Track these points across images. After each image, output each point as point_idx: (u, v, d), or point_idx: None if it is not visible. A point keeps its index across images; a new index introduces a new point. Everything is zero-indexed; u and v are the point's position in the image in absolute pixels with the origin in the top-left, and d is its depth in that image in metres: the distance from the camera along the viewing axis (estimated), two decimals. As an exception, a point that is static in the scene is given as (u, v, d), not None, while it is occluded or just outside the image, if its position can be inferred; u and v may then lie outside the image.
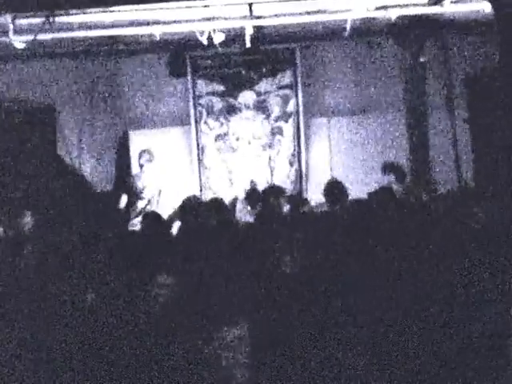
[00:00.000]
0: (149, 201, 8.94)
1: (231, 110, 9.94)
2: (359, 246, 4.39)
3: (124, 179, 9.35)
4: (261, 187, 9.28)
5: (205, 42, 8.30)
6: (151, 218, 5.91)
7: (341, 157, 9.84)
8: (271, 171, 9.87)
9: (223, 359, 3.28)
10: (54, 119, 9.72)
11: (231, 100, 9.93)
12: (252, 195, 7.93)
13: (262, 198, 7.37)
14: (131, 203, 8.76)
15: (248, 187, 9.14)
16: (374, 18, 8.40)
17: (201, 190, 9.87)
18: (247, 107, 9.91)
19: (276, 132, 9.94)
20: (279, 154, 9.91)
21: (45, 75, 9.66)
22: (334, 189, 6.70)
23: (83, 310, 3.46)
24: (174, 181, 9.58)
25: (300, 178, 9.87)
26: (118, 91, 10.04)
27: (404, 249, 4.24)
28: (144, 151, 9.24)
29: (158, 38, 8.54)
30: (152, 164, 9.20)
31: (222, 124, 9.97)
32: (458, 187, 9.24)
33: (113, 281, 3.72)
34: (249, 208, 8.00)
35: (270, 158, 9.90)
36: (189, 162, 9.95)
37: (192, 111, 9.94)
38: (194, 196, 7.26)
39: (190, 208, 6.47)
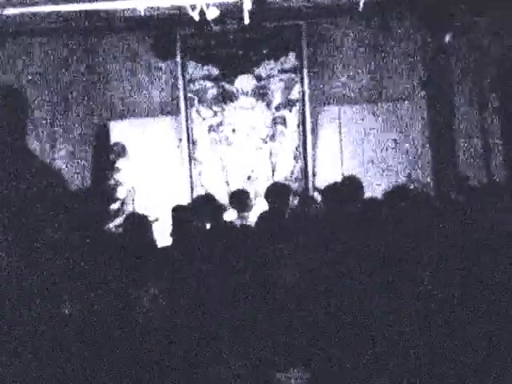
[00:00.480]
0: (122, 201, 8.32)
1: (227, 97, 9.19)
2: (376, 252, 4.26)
3: (103, 176, 8.64)
4: (261, 185, 8.80)
5: (196, 18, 7.88)
6: (133, 220, 5.41)
7: (352, 150, 9.12)
8: (273, 167, 9.18)
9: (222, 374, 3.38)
10: (23, 107, 9.03)
11: (227, 85, 9.18)
12: (238, 197, 7.22)
13: (265, 198, 6.67)
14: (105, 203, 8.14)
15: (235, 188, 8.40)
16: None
17: (192, 189, 9.15)
18: (245, 94, 9.17)
19: (278, 122, 9.20)
20: (282, 147, 9.20)
21: (12, 56, 8.82)
22: (350, 186, 5.99)
23: (60, 322, 3.28)
24: (161, 178, 9.01)
25: (306, 174, 9.16)
26: (97, 75, 9.31)
27: (431, 255, 4.12)
28: (115, 144, 8.67)
29: (142, 14, 8.24)
30: (125, 159, 8.60)
31: (216, 113, 9.24)
32: (488, 183, 8.51)
33: (92, 291, 3.69)
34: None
35: (271, 152, 9.20)
36: (178, 157, 9.24)
37: (182, 98, 9.19)
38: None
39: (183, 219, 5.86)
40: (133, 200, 8.40)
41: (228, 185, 9.13)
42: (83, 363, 3.34)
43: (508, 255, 3.94)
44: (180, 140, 9.28)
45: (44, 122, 9.16)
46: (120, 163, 8.58)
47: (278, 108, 9.23)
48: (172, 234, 5.70)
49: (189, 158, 9.22)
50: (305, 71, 9.17)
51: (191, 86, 9.24)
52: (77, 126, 9.27)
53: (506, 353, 3.43)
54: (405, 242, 4.39)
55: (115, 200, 8.07)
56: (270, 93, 9.21)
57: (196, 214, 5.95)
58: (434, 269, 3.97)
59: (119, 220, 7.25)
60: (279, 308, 3.70)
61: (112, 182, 8.37)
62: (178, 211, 5.87)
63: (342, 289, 3.84)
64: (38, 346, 3.10)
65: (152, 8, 8.27)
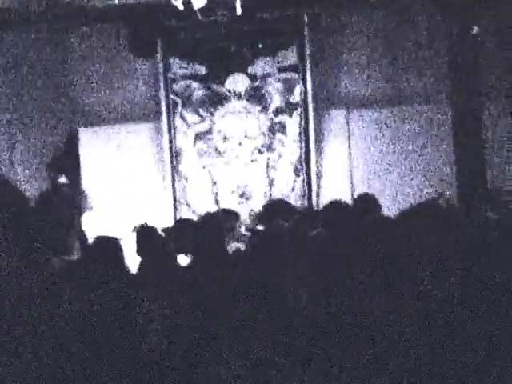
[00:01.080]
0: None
1: (216, 100, 8.55)
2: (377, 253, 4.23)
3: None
4: (256, 203, 8.30)
5: (180, 8, 7.32)
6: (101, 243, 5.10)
7: (363, 162, 8.49)
8: (270, 182, 8.53)
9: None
10: None
11: (216, 86, 8.53)
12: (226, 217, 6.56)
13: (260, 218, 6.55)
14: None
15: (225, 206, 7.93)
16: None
17: (175, 208, 8.52)
18: (238, 96, 8.49)
19: (276, 129, 8.52)
20: (281, 158, 8.53)
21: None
22: (365, 203, 5.76)
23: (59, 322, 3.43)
24: (139, 196, 8.39)
25: (309, 190, 8.53)
26: (63, 75, 8.74)
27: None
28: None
29: (116, 2, 7.93)
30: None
31: (203, 119, 8.58)
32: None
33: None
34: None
35: (268, 165, 8.53)
36: (159, 171, 8.66)
37: (163, 101, 8.55)
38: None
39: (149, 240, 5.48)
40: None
41: (218, 203, 8.48)
42: (83, 363, 3.49)
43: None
44: (161, 150, 8.67)
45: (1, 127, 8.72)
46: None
47: (276, 113, 8.56)
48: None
49: (172, 171, 8.59)
50: (307, 69, 8.52)
51: (175, 86, 8.58)
52: (40, 134, 8.70)
53: (506, 353, 3.53)
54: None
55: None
56: (266, 95, 8.56)
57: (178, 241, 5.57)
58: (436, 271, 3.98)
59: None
60: (279, 307, 3.77)
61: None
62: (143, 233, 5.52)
63: (342, 288, 3.90)
64: (38, 346, 3.26)
65: (128, -5, 7.95)
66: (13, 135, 8.80)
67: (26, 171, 8.68)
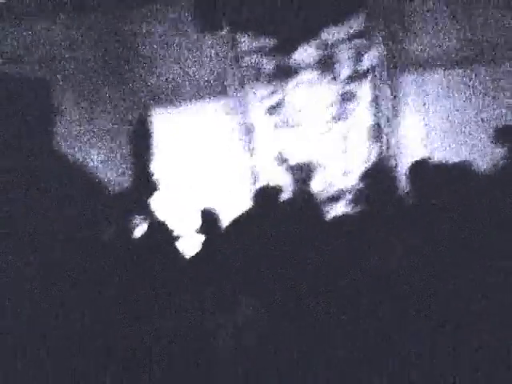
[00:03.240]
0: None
1: (286, 72, 8.23)
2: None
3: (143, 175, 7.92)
4: (331, 174, 8.16)
5: None
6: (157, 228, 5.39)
7: (440, 126, 8.03)
8: (345, 151, 8.20)
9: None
10: (48, 99, 7.96)
11: (285, 58, 8.23)
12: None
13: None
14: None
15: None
16: None
17: (253, 184, 8.23)
18: (307, 67, 8.20)
19: (349, 98, 8.22)
20: (354, 127, 8.19)
21: (31, 38, 7.99)
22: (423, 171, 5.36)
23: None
24: (216, 173, 8.26)
25: (386, 158, 8.12)
26: (130, 55, 8.48)
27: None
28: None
29: None
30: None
31: (274, 91, 8.35)
32: None
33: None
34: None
35: (342, 134, 8.20)
36: (232, 147, 8.38)
37: (233, 76, 8.33)
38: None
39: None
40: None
41: (294, 175, 8.10)
42: (85, 364, 3.59)
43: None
44: (234, 126, 8.40)
45: (70, 117, 8.35)
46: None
47: (347, 81, 8.21)
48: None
49: (246, 146, 8.36)
50: (379, 34, 8.11)
51: (244, 61, 8.32)
52: (110, 119, 8.47)
53: (506, 351, 3.51)
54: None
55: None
56: (336, 63, 8.20)
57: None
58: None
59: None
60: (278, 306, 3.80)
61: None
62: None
63: (341, 288, 3.91)
64: (38, 346, 3.42)
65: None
66: (83, 128, 8.45)
67: (101, 156, 8.44)
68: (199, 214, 5.85)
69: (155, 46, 8.52)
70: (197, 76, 8.48)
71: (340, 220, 5.29)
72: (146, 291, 4.26)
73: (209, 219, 5.76)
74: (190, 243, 5.58)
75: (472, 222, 4.38)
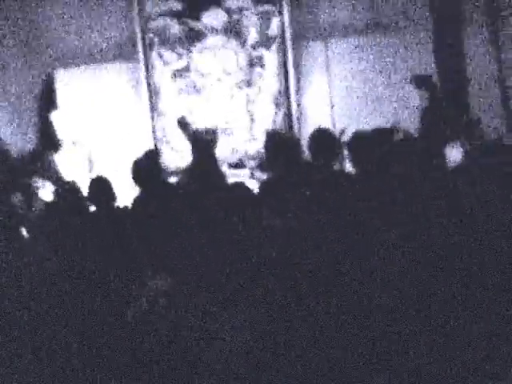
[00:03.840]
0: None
1: (193, 36, 8.20)
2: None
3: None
4: (238, 139, 8.23)
5: None
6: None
7: (343, 93, 8.20)
8: (251, 117, 8.28)
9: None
10: None
11: (192, 22, 8.20)
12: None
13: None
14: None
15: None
16: None
17: (155, 146, 8.20)
18: (215, 31, 8.19)
19: (255, 63, 8.24)
20: (260, 92, 8.26)
21: None
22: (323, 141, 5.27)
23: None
24: (119, 135, 8.17)
25: (290, 123, 8.25)
26: (32, 14, 8.29)
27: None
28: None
29: None
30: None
31: (180, 56, 8.26)
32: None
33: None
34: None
35: (248, 100, 8.27)
36: (137, 109, 8.31)
37: (139, 39, 8.20)
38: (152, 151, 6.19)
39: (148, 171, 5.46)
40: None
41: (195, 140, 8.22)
42: (83, 363, 3.56)
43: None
44: (139, 89, 8.34)
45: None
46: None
47: (254, 47, 8.24)
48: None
49: (150, 110, 8.31)
50: (284, 1, 8.16)
51: (150, 24, 8.23)
52: (14, 79, 8.27)
53: (506, 353, 3.49)
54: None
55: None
56: (244, 29, 8.22)
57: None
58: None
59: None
60: (278, 306, 3.66)
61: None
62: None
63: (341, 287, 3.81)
64: (38, 346, 3.42)
65: None
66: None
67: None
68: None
69: (63, 7, 8.37)
70: (101, 38, 8.39)
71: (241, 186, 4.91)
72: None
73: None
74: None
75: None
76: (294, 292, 3.59)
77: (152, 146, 8.10)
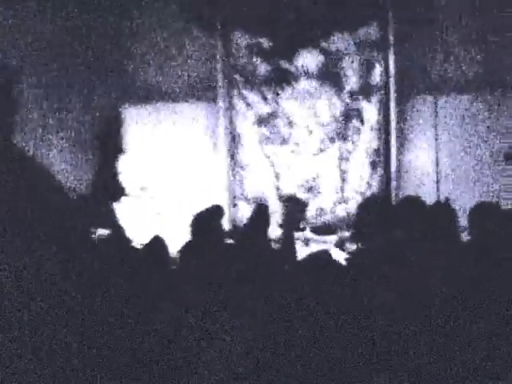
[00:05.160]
0: None
1: (283, 79, 7.45)
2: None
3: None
4: (326, 199, 7.41)
5: None
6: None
7: (451, 157, 7.33)
8: (343, 176, 7.47)
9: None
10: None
11: (284, 63, 7.43)
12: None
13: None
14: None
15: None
16: None
17: (234, 201, 7.51)
18: (308, 75, 7.41)
19: (352, 115, 7.46)
20: (356, 149, 7.46)
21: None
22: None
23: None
24: (190, 186, 7.38)
25: (387, 188, 7.42)
26: (103, 45, 7.50)
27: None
28: None
29: None
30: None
31: (267, 100, 7.52)
32: None
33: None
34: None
35: (341, 156, 7.48)
36: (214, 158, 7.57)
37: (221, 78, 7.49)
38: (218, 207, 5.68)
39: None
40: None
41: (280, 199, 7.39)
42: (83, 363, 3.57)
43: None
44: (217, 135, 7.58)
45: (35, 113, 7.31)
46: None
47: (352, 96, 7.47)
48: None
49: (229, 159, 7.57)
50: (391, 47, 7.38)
51: (235, 62, 7.51)
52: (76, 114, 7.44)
53: (506, 353, 3.58)
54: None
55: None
56: (342, 74, 7.45)
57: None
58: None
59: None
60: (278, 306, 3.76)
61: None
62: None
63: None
64: (38, 346, 3.41)
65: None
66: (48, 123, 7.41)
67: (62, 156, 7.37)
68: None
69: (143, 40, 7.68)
70: (177, 74, 7.63)
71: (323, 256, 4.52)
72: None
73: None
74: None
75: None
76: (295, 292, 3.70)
77: (225, 202, 7.28)
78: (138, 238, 5.32)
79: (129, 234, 5.61)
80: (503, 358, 3.53)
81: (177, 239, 5.06)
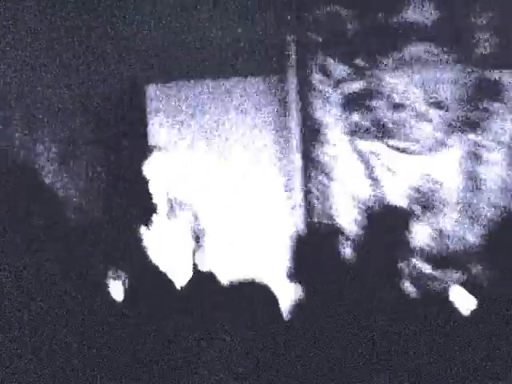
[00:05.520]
0: None
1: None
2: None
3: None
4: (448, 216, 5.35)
5: None
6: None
7: None
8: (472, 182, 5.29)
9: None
10: None
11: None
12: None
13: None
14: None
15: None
16: None
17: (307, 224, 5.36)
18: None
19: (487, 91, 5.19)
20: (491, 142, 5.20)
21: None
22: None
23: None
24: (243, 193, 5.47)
25: None
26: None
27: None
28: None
29: None
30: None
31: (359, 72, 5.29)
32: None
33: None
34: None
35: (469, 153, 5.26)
36: (278, 151, 5.48)
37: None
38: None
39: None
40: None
41: None
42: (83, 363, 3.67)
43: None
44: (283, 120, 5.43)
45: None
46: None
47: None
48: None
49: (301, 155, 5.40)
50: None
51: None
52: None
53: (506, 353, 3.54)
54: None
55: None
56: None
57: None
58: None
59: None
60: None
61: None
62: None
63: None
64: (38, 346, 3.51)
65: None
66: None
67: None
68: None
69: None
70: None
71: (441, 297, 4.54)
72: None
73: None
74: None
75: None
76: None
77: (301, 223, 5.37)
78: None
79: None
80: (503, 358, 3.49)
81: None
